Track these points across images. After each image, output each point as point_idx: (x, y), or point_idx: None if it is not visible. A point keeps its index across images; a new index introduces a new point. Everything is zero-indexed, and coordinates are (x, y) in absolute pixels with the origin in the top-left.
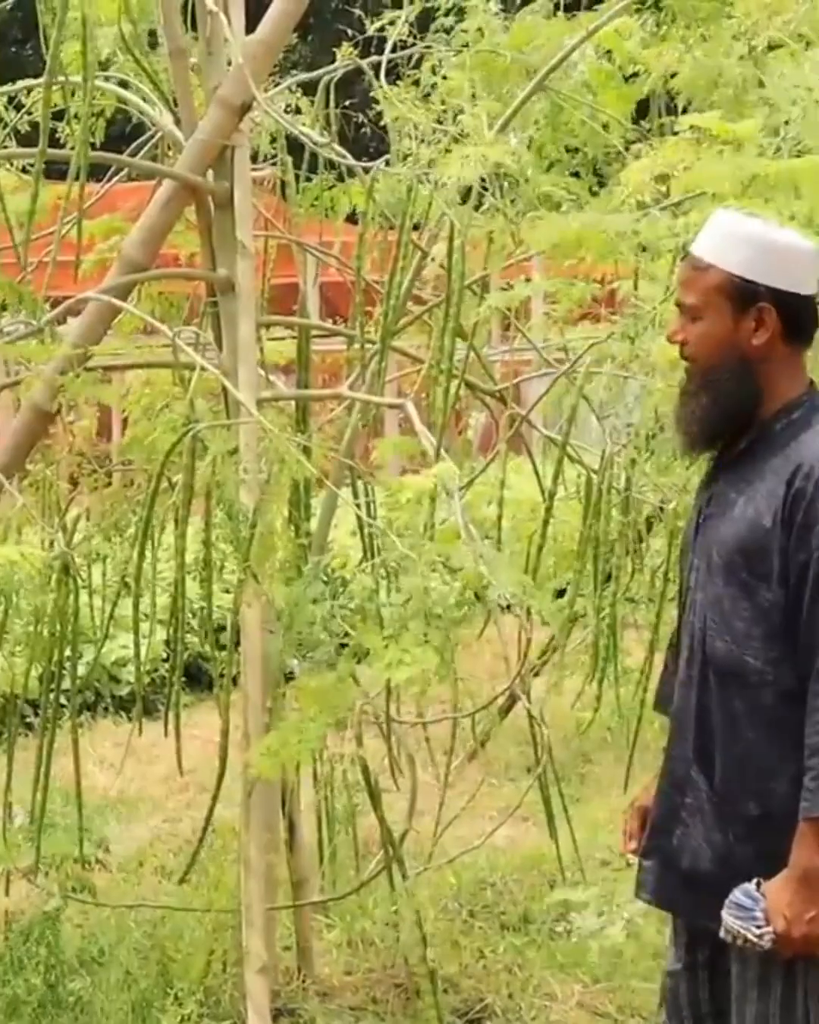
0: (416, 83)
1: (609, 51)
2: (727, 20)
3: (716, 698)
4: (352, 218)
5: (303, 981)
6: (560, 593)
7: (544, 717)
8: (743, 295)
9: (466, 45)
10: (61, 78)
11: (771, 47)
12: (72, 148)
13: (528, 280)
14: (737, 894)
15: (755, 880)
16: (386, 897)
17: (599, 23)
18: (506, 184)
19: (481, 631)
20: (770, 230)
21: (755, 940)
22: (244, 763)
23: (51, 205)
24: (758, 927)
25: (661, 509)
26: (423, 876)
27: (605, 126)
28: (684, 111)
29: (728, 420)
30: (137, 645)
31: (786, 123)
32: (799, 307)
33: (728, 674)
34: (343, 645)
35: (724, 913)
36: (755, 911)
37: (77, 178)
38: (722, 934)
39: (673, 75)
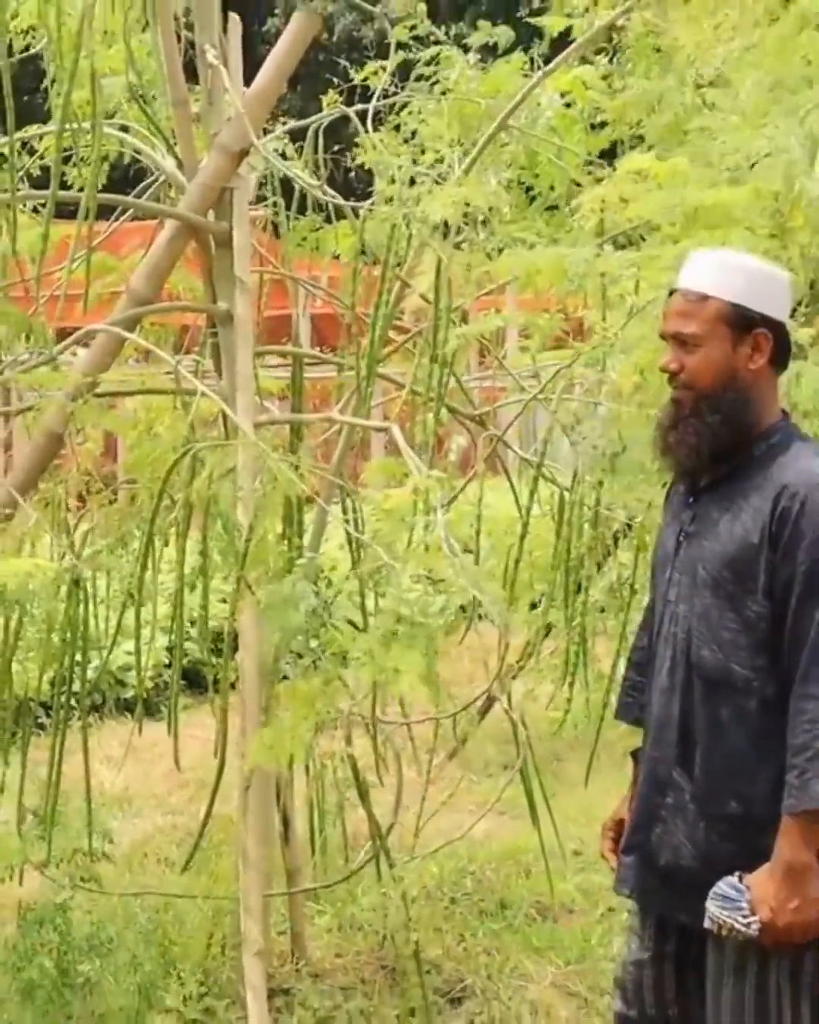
0: (397, 128)
1: (571, 100)
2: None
3: (700, 704)
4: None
5: (296, 963)
6: (536, 604)
7: (523, 719)
8: (742, 322)
9: (444, 92)
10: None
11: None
12: (81, 190)
13: (498, 311)
14: (722, 886)
15: (737, 873)
16: (373, 885)
17: (551, 67)
18: (482, 222)
19: (462, 638)
20: (758, 262)
21: (742, 929)
22: (242, 756)
23: (60, 243)
24: (745, 917)
25: (628, 526)
26: (408, 866)
27: (591, 161)
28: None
29: (730, 441)
30: (138, 651)
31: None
32: (784, 333)
33: (715, 681)
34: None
35: (709, 904)
36: (741, 902)
37: (86, 218)
38: (707, 924)
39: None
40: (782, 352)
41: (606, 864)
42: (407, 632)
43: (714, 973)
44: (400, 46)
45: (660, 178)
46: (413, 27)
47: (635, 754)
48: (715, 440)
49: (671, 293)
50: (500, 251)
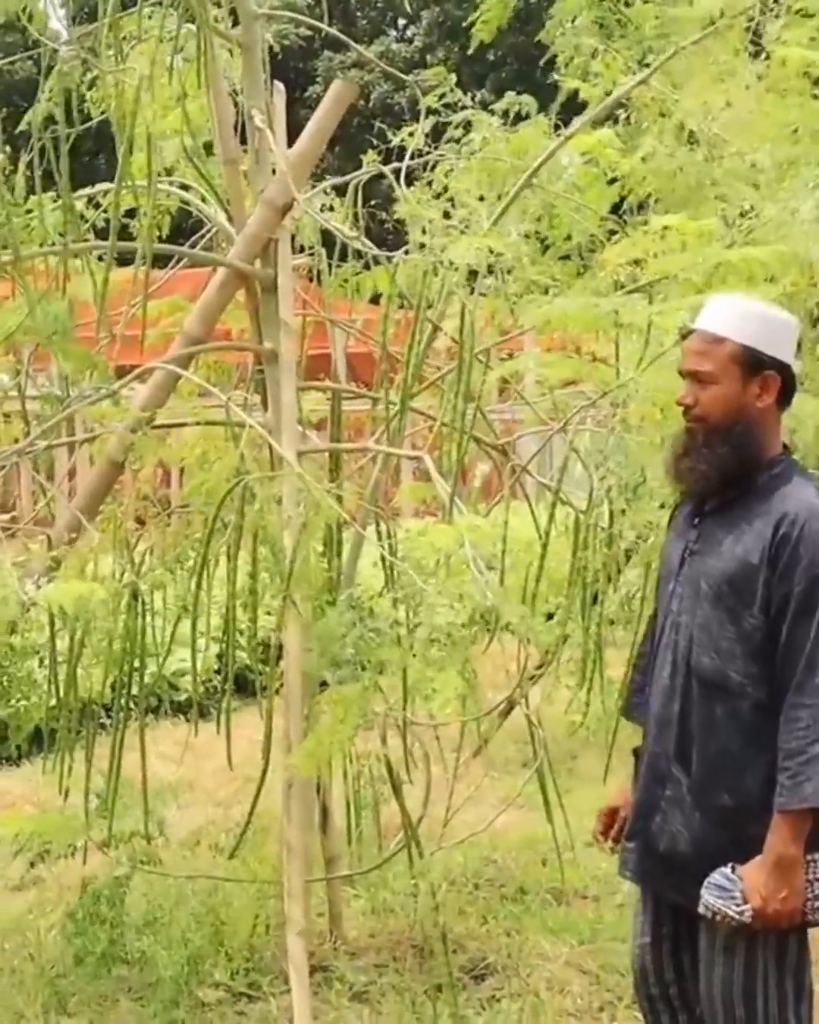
0: (429, 184)
1: (593, 159)
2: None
3: (697, 705)
4: (375, 298)
5: (334, 942)
6: (553, 615)
7: (540, 720)
8: (753, 363)
9: (473, 152)
10: (130, 183)
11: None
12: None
13: (512, 356)
14: (716, 876)
15: (730, 865)
16: (404, 872)
17: (573, 129)
18: (506, 270)
19: (486, 647)
20: (770, 309)
21: (735, 916)
22: (287, 763)
23: (123, 288)
24: (737, 905)
25: (636, 544)
26: (436, 855)
27: (604, 217)
28: (642, 207)
29: (737, 470)
30: (194, 659)
31: (742, 215)
32: (790, 375)
33: (712, 685)
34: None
35: (704, 892)
36: (734, 891)
37: (142, 264)
38: (702, 910)
39: (643, 178)
40: (787, 392)
41: (599, 846)
42: (442, 652)
43: (706, 953)
44: (430, 112)
45: (687, 236)
46: (442, 95)
47: (637, 750)
48: (723, 468)
49: (689, 333)
50: (520, 297)
